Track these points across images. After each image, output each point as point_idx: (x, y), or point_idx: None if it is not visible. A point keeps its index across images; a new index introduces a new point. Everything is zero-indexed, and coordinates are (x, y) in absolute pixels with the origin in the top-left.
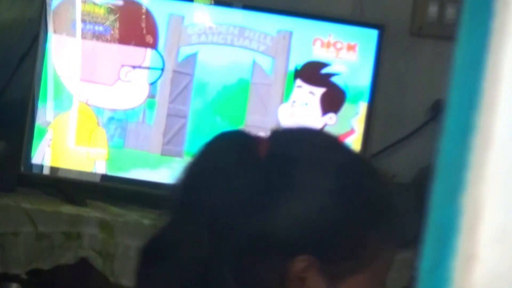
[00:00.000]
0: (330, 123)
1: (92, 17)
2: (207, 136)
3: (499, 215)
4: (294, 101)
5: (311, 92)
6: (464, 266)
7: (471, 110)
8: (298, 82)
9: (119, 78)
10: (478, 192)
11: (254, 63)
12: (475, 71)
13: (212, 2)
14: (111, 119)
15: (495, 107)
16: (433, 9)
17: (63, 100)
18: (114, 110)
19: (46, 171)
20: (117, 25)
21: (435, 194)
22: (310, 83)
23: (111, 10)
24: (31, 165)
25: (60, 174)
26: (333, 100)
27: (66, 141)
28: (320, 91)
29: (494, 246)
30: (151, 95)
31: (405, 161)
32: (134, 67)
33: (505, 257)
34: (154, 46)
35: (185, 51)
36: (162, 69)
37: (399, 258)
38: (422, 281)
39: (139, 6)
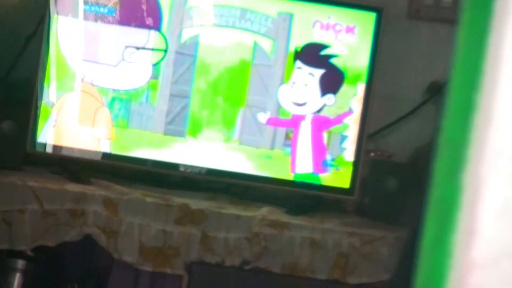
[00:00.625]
0: (328, 103)
1: None
2: (209, 116)
3: (500, 192)
4: (294, 82)
5: (310, 73)
6: (465, 241)
7: (473, 90)
8: (298, 63)
9: (123, 59)
10: (479, 170)
11: (255, 44)
12: (477, 52)
13: None
14: (115, 99)
15: (496, 87)
16: None
17: (68, 80)
18: (118, 90)
19: (51, 150)
20: (120, 6)
21: (437, 171)
22: (310, 65)
23: None
24: (37, 144)
25: (65, 152)
26: (332, 81)
27: (71, 120)
28: (319, 72)
29: (494, 222)
30: (154, 76)
31: (402, 141)
32: (137, 48)
33: (505, 233)
34: (157, 27)
35: (188, 32)
36: (165, 51)
37: (396, 236)
38: (424, 256)
39: None
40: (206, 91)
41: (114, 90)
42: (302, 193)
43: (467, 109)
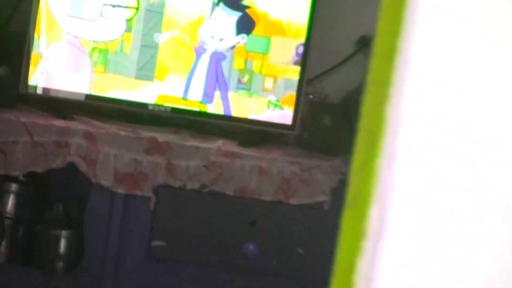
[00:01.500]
0: (241, 42)
1: None
2: (173, 63)
3: (416, 123)
4: (215, 18)
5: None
6: (387, 164)
7: (395, 37)
8: (221, 5)
9: (101, 15)
10: (399, 104)
11: (213, 4)
12: (397, 5)
13: None
14: (94, 49)
15: (413, 34)
16: None
17: (55, 33)
18: (97, 41)
19: (40, 92)
20: None
21: (365, 106)
22: (230, 8)
23: None
24: (28, 87)
25: (52, 94)
26: (246, 24)
27: (57, 67)
28: (236, 15)
29: (412, 147)
30: (127, 29)
31: (335, 85)
32: (113, 6)
33: (421, 157)
34: None
35: None
36: (137, 8)
37: (330, 164)
38: (352, 177)
39: None
40: (170, 42)
41: (94, 41)
42: (252, 129)
43: (390, 53)
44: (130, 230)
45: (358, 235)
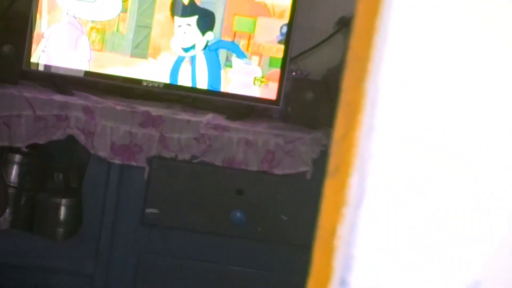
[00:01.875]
0: (210, 38)
1: None
2: (166, 41)
3: (393, 97)
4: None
5: (188, 24)
6: (366, 136)
7: (374, 16)
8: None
9: None
10: (377, 80)
11: None
12: None
13: None
14: (93, 28)
15: (390, 13)
16: None
17: (56, 13)
18: (95, 21)
19: (42, 68)
20: None
21: (345, 81)
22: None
23: None
24: (31, 64)
25: (53, 70)
26: (207, 21)
27: (58, 45)
28: (194, 18)
29: (389, 119)
30: (123, 10)
31: (317, 63)
32: None
33: (398, 128)
34: None
35: None
36: None
37: (312, 136)
38: (333, 148)
39: None
40: (164, 22)
41: (92, 21)
42: (239, 103)
43: (369, 31)
44: (126, 199)
45: (339, 203)
